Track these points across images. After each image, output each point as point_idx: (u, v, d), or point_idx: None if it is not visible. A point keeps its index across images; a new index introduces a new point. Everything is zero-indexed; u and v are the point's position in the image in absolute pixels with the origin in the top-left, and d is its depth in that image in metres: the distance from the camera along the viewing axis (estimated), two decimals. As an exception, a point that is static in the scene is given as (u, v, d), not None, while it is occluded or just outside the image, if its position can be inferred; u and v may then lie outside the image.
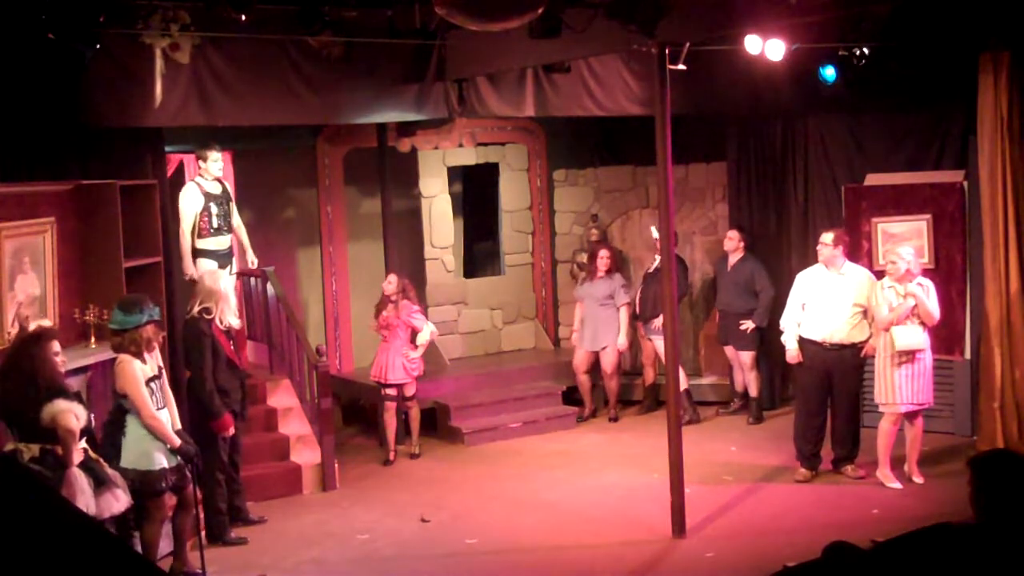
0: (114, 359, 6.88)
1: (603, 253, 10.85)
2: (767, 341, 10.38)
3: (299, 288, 11.11)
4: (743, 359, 10.50)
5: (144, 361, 6.76)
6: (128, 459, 6.65)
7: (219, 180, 8.92)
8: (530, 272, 11.96)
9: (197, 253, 8.78)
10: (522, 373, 11.12)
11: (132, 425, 6.71)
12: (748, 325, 10.31)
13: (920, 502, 8.00)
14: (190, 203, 8.70)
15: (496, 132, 11.53)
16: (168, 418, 6.88)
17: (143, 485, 6.61)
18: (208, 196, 8.76)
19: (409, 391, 9.77)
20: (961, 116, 9.52)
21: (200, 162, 8.83)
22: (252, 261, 9.37)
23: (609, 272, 10.74)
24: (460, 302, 11.56)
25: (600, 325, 10.71)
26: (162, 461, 6.74)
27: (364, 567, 7.36)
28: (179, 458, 6.85)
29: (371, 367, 9.91)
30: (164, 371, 7.01)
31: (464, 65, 8.98)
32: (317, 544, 7.74)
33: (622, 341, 10.63)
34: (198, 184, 8.80)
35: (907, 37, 8.82)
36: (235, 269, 9.19)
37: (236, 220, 9.08)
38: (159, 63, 7.82)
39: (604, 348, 10.68)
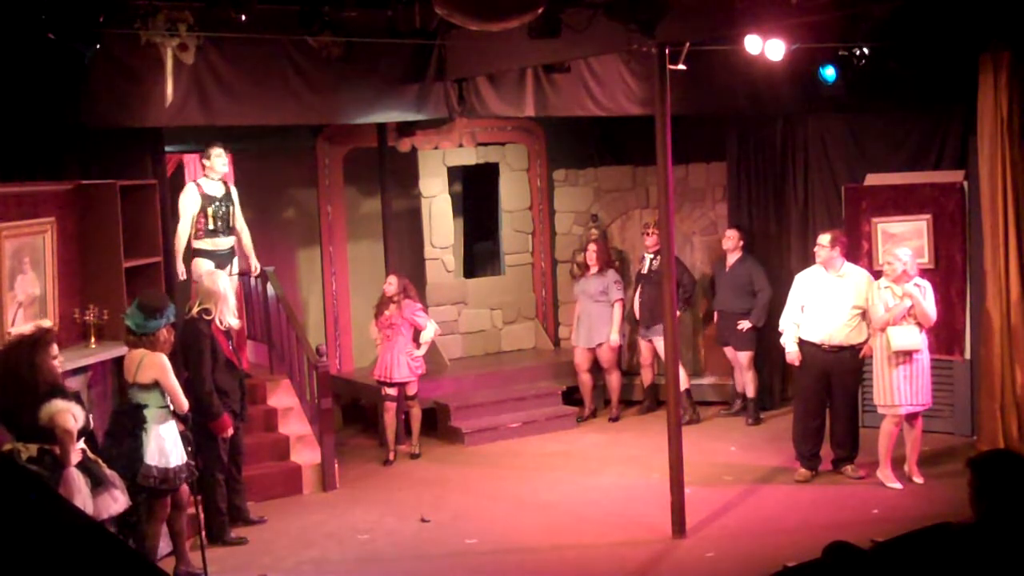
0: (114, 359, 6.90)
1: (591, 247, 10.86)
2: (765, 341, 10.38)
3: (299, 288, 11.11)
4: (740, 359, 10.49)
5: None
6: (152, 456, 6.77)
7: (224, 181, 8.94)
8: (530, 272, 11.95)
9: (196, 253, 8.81)
10: (522, 373, 11.11)
11: (152, 423, 6.81)
12: (744, 325, 10.31)
13: (920, 502, 8.00)
14: (188, 204, 8.73)
15: (496, 132, 11.52)
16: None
17: (164, 482, 6.76)
18: (206, 197, 8.77)
19: (411, 390, 9.77)
20: (961, 116, 9.52)
21: (204, 160, 8.85)
22: (255, 267, 9.36)
23: (601, 267, 10.75)
24: (460, 302, 11.55)
25: (595, 322, 10.72)
26: (178, 458, 6.89)
27: (364, 567, 7.36)
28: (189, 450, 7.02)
29: (373, 367, 9.91)
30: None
31: (464, 65, 8.98)
32: (317, 544, 7.74)
33: (614, 337, 10.62)
34: (198, 185, 8.83)
35: (907, 37, 8.82)
36: (235, 269, 9.18)
37: (240, 223, 9.08)
38: (169, 63, 7.81)
39: (599, 345, 10.69)
